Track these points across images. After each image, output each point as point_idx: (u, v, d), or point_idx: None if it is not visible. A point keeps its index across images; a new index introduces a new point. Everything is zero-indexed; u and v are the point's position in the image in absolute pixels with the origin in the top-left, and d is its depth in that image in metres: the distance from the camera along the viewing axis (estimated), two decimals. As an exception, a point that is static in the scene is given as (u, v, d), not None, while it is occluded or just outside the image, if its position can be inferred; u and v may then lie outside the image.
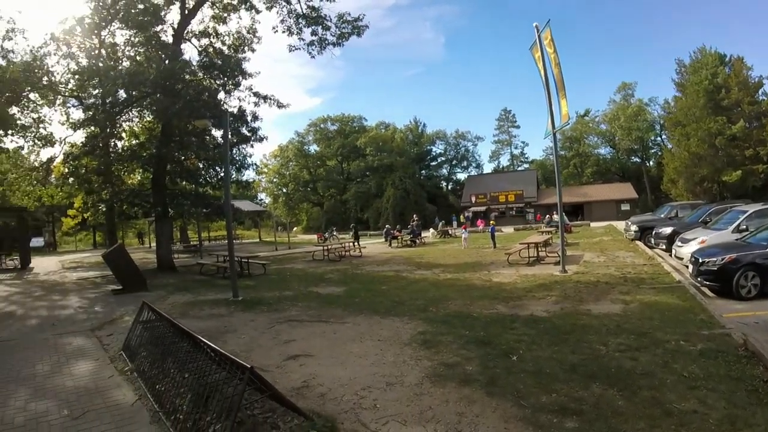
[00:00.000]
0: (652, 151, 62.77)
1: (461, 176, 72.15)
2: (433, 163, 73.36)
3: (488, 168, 74.43)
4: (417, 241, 28.29)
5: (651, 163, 62.15)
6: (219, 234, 47.09)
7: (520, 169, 69.36)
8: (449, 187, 72.03)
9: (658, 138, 61.54)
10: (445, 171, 74.41)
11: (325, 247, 22.82)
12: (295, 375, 5.55)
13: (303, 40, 20.72)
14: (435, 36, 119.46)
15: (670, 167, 44.74)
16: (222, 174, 19.43)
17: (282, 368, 5.85)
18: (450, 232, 35.59)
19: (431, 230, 36.12)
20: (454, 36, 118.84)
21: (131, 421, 4.61)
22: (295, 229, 62.46)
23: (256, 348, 6.89)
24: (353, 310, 9.27)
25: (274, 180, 69.31)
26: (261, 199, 71.64)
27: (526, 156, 75.47)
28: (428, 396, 4.63)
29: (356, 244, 25.15)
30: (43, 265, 24.00)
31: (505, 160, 75.59)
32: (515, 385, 4.72)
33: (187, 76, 18.94)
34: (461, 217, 49.61)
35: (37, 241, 41.92)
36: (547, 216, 34.03)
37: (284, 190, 68.75)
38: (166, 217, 19.82)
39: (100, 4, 18.28)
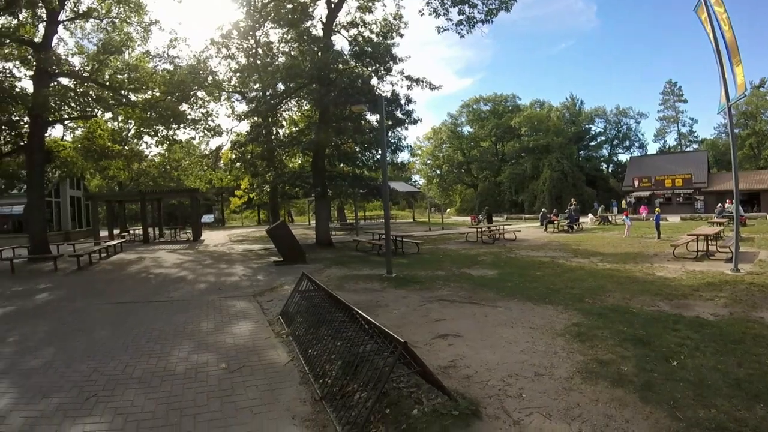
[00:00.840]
0: (844, 129, 48.80)
1: (623, 157, 64.44)
2: (593, 143, 66.54)
3: (653, 148, 65.21)
4: (574, 226, 26.27)
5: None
6: (374, 213, 49.58)
7: (688, 149, 59.11)
8: (610, 170, 64.91)
9: None
10: (605, 152, 66.95)
11: (479, 229, 22.35)
12: (442, 354, 5.46)
13: (451, 20, 20.12)
14: (586, 5, 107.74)
15: None
16: (378, 156, 19.91)
17: (430, 346, 5.77)
18: (610, 219, 32.47)
19: (590, 216, 33.10)
20: (607, 3, 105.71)
21: (282, 379, 4.85)
22: (448, 210, 62.49)
23: (406, 324, 6.90)
24: (505, 294, 8.90)
25: (428, 162, 69.64)
26: (415, 181, 72.30)
27: (696, 135, 64.16)
28: (577, 392, 4.33)
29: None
30: (212, 238, 27.54)
31: (671, 140, 65.37)
32: (672, 393, 4.24)
33: (340, 66, 19.70)
34: (622, 202, 44.61)
35: (207, 218, 49.80)
36: (719, 205, 28.83)
37: (438, 172, 68.63)
38: (324, 197, 21.06)
39: (252, 8, 19.88)
